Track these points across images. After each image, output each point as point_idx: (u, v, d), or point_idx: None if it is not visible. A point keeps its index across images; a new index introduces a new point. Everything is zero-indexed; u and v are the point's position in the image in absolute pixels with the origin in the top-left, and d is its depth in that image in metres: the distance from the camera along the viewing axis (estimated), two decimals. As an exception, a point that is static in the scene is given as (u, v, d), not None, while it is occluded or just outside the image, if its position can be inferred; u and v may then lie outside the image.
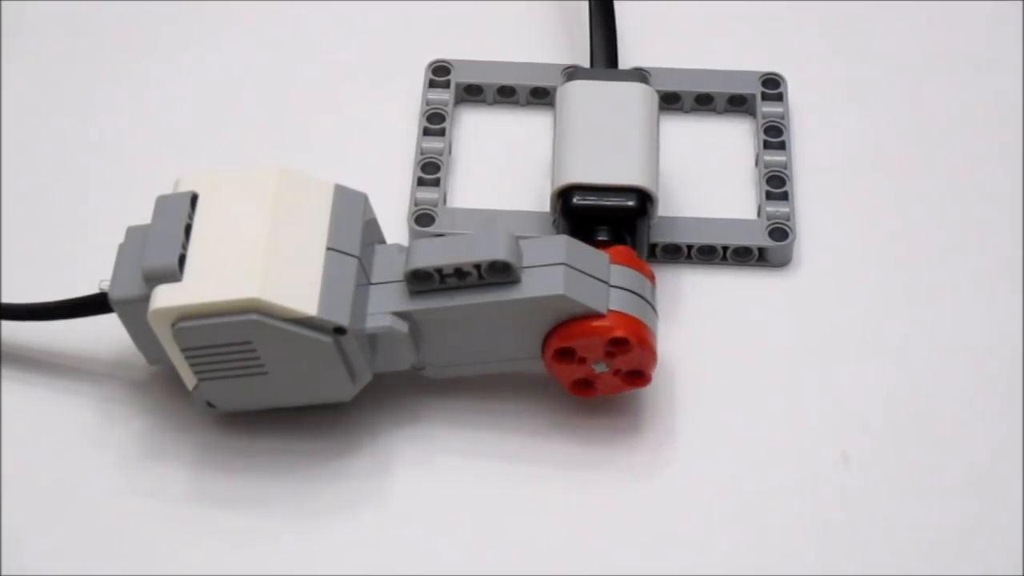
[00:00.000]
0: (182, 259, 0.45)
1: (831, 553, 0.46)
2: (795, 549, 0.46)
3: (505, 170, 0.53)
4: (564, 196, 0.49)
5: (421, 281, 0.45)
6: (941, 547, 0.46)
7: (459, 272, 0.45)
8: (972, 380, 0.49)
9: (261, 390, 0.46)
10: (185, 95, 0.55)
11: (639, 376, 0.47)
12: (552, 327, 0.46)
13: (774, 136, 0.53)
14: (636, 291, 0.46)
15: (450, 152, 0.53)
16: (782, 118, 0.54)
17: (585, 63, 0.53)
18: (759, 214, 0.52)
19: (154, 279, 0.45)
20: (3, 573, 0.46)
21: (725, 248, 0.51)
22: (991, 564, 0.46)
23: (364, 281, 0.46)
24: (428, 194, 0.52)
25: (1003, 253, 0.52)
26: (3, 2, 0.57)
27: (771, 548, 0.46)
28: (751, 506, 0.47)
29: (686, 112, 0.55)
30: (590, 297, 0.46)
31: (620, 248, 0.48)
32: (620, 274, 0.46)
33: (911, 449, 0.48)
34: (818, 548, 0.46)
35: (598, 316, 0.46)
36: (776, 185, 0.52)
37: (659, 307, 0.48)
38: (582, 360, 0.46)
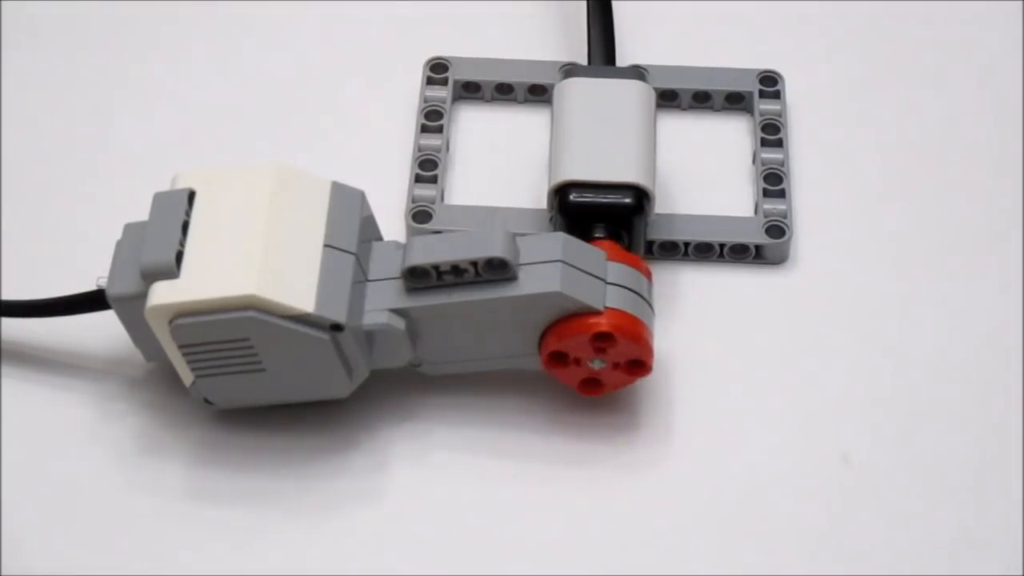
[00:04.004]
0: (179, 256, 0.45)
1: (830, 552, 0.46)
2: (793, 547, 0.46)
3: (502, 167, 0.53)
4: (561, 193, 0.49)
5: (418, 278, 0.45)
6: (941, 547, 0.46)
7: (456, 269, 0.45)
8: (971, 378, 0.49)
9: (258, 387, 0.46)
10: (183, 92, 0.55)
11: (640, 366, 0.47)
12: (549, 324, 0.46)
13: (771, 134, 0.53)
14: (633, 288, 0.46)
15: (448, 149, 0.53)
16: (779, 116, 0.54)
17: (583, 60, 0.53)
18: (756, 211, 0.52)
19: (151, 276, 0.45)
20: (3, 571, 0.46)
21: (722, 245, 0.51)
22: (991, 564, 0.46)
23: (361, 278, 0.46)
24: (425, 191, 0.52)
25: (1001, 251, 0.52)
26: (3, 2, 0.58)
27: (769, 546, 0.46)
28: (749, 503, 0.47)
29: (683, 110, 0.55)
30: (587, 294, 0.46)
31: (617, 245, 0.48)
32: (617, 271, 0.46)
33: (911, 448, 0.48)
34: (816, 547, 0.46)
35: (595, 313, 0.46)
36: (773, 183, 0.52)
37: (656, 304, 0.48)
38: (577, 361, 0.46)
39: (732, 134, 0.54)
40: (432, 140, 0.53)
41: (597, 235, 0.48)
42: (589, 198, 0.49)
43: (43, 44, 0.57)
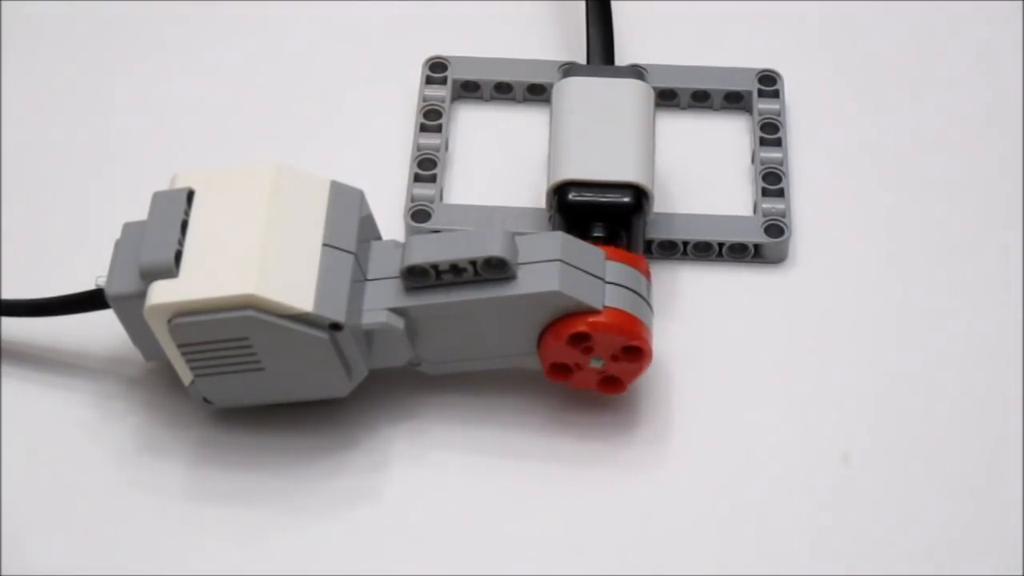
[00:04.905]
0: (178, 255, 0.45)
1: (829, 552, 0.46)
2: (793, 546, 0.46)
3: (501, 167, 0.53)
4: (560, 192, 0.49)
5: (417, 277, 0.45)
6: (941, 547, 0.46)
7: (455, 268, 0.45)
8: (971, 378, 0.49)
9: (257, 386, 0.46)
10: (182, 92, 0.55)
11: (615, 383, 0.47)
12: (547, 323, 0.46)
13: (770, 133, 0.53)
14: (632, 287, 0.46)
15: (447, 148, 0.53)
16: (778, 115, 0.54)
17: (582, 60, 0.53)
18: (755, 211, 0.52)
19: (150, 275, 0.45)
20: (3, 571, 0.46)
21: (721, 244, 0.51)
22: (991, 564, 0.46)
23: (360, 277, 0.46)
24: (424, 190, 0.52)
25: (1000, 249, 0.52)
26: (3, 2, 0.58)
27: (769, 546, 0.46)
28: (749, 503, 0.47)
29: (682, 109, 0.55)
30: (585, 293, 0.46)
31: (616, 245, 0.48)
32: (616, 270, 0.46)
33: (911, 448, 0.48)
34: (816, 546, 0.46)
35: (594, 312, 0.46)
36: (772, 182, 0.52)
37: (655, 303, 0.48)
38: (588, 350, 0.46)
39: (731, 133, 0.54)
40: (431, 139, 0.53)
41: (596, 234, 0.48)
42: (588, 197, 0.49)
43: (43, 44, 0.57)
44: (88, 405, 0.49)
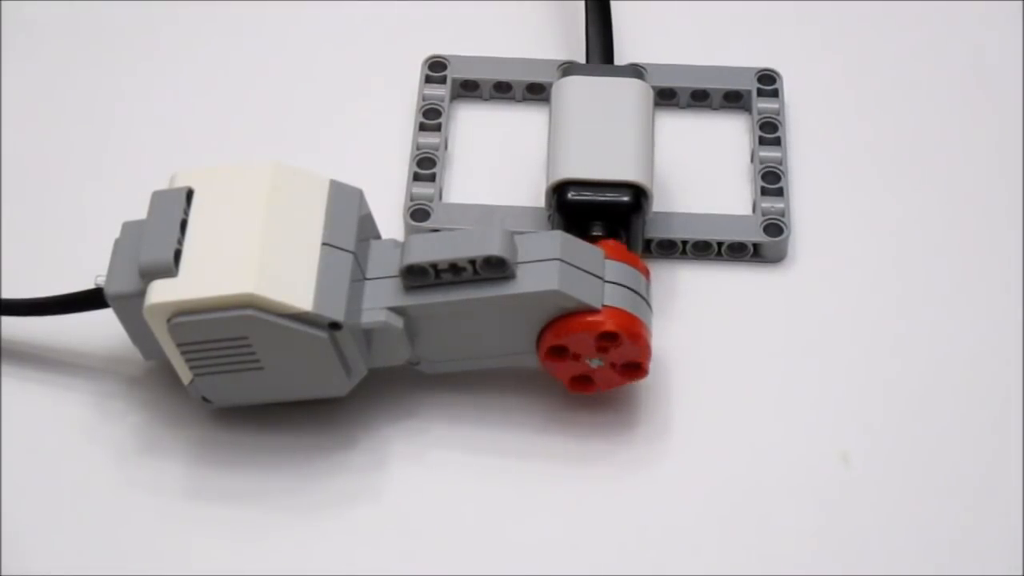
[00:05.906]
0: (178, 254, 0.45)
1: (829, 552, 0.46)
2: (792, 546, 0.46)
3: (501, 166, 0.53)
4: (559, 191, 0.49)
5: (416, 276, 0.45)
6: (941, 547, 0.46)
7: (454, 267, 0.45)
8: (971, 377, 0.49)
9: (256, 385, 0.46)
10: (183, 92, 0.55)
11: (636, 369, 0.47)
12: (547, 322, 0.46)
13: (769, 132, 0.53)
14: (631, 286, 0.46)
15: (446, 147, 0.53)
16: (778, 114, 0.54)
17: (581, 59, 0.53)
18: (754, 210, 0.52)
19: (150, 274, 0.45)
20: (3, 571, 0.46)
21: (720, 244, 0.51)
22: (991, 564, 0.46)
23: (359, 276, 0.46)
24: (424, 189, 0.52)
25: (1000, 249, 0.52)
26: (3, 2, 0.58)
27: (768, 545, 0.46)
28: (748, 502, 0.47)
29: (682, 108, 0.55)
30: (584, 292, 0.46)
31: (615, 243, 0.48)
32: (615, 269, 0.46)
33: (910, 448, 0.48)
34: (815, 546, 0.46)
35: (592, 311, 0.46)
36: (771, 181, 0.52)
37: (654, 303, 0.48)
38: (576, 357, 0.46)
39: (730, 132, 0.54)
40: (430, 138, 0.53)
41: (595, 233, 0.48)
42: (587, 196, 0.49)
43: (43, 44, 0.57)
44: (88, 405, 0.49)
